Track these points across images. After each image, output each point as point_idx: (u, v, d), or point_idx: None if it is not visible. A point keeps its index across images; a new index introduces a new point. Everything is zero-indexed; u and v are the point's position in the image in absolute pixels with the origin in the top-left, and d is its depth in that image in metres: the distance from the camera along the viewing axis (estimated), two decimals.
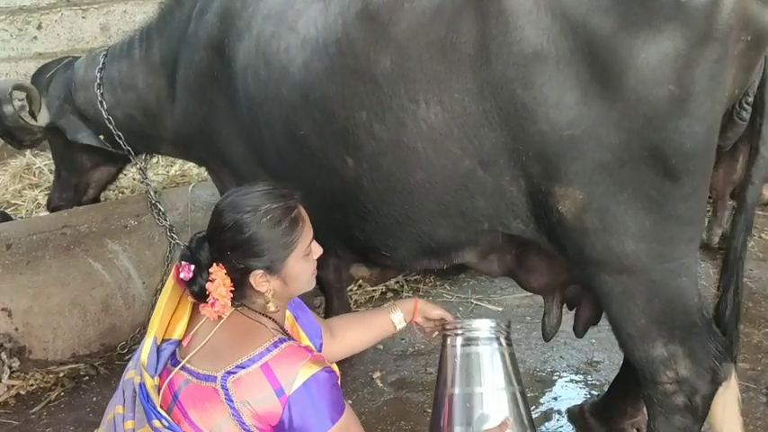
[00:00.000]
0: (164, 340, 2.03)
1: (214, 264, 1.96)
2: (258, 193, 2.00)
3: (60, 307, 3.74)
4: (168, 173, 5.05)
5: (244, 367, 1.89)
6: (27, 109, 3.62)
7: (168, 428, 1.85)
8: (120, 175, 4.39)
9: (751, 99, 2.14)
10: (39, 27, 5.50)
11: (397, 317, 2.43)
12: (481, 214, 2.33)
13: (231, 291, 1.97)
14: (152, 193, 3.88)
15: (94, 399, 3.57)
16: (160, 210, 3.90)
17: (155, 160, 4.21)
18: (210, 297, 1.95)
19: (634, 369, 2.47)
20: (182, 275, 1.98)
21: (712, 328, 2.33)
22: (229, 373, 1.89)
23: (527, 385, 3.46)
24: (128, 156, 3.65)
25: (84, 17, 5.53)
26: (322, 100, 2.41)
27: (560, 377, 3.57)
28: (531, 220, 2.29)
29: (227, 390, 1.87)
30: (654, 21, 1.95)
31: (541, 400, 3.40)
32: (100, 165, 3.91)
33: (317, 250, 2.12)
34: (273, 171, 2.84)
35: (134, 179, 4.83)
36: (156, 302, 2.05)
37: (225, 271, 1.96)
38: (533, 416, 3.20)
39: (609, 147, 2.05)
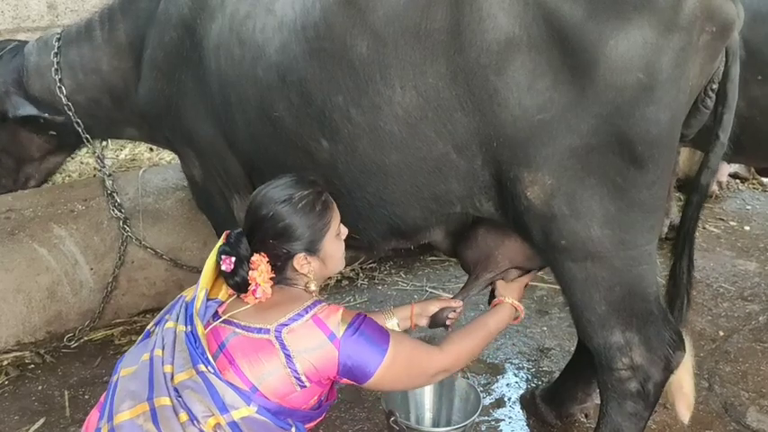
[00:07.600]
0: (209, 298, 2.18)
1: (255, 254, 2.13)
2: (287, 183, 2.19)
3: (4, 293, 3.66)
4: (118, 157, 4.92)
5: (295, 320, 2.07)
6: None
7: (213, 374, 2.00)
8: (68, 159, 4.24)
9: (716, 86, 2.23)
10: None
11: (391, 323, 2.57)
12: (454, 197, 2.38)
13: (271, 278, 2.13)
14: (109, 183, 3.77)
15: (40, 387, 3.47)
16: (116, 200, 3.80)
17: (103, 144, 4.09)
18: (253, 284, 2.10)
19: (588, 356, 2.52)
20: (223, 268, 2.12)
21: (667, 317, 2.40)
22: (283, 325, 2.06)
23: (480, 372, 3.53)
24: (78, 142, 3.53)
25: None
26: (299, 82, 2.40)
27: (512, 364, 3.63)
28: (501, 205, 2.34)
29: (281, 340, 2.04)
30: (623, 10, 2.01)
31: (494, 387, 3.45)
32: (48, 153, 3.76)
33: (345, 231, 2.30)
34: (242, 152, 2.80)
35: (81, 163, 4.70)
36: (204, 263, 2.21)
37: (267, 259, 2.13)
38: (486, 402, 3.28)
39: (578, 132, 2.10)
